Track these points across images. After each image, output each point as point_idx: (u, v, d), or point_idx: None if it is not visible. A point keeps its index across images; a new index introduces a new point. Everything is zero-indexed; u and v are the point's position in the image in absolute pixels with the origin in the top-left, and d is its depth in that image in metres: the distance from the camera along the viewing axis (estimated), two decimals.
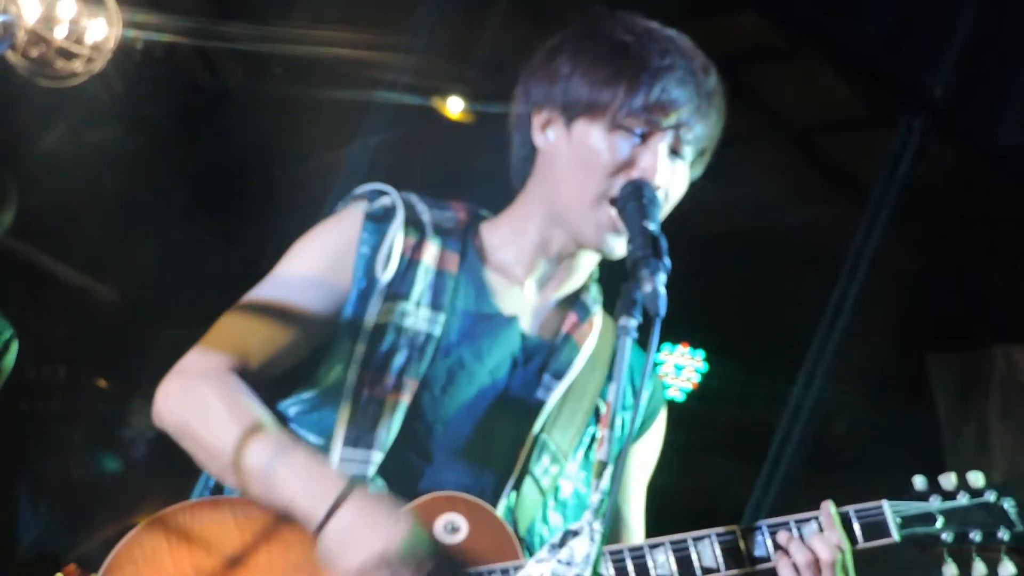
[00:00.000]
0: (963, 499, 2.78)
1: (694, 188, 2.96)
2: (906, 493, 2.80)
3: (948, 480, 2.80)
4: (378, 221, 2.85)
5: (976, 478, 2.80)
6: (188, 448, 2.76)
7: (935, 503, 2.78)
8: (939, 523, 2.77)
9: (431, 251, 2.85)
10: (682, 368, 9.97)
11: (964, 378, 9.37)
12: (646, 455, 3.10)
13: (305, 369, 2.85)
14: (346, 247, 2.84)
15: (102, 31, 7.16)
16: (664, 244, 2.60)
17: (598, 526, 2.36)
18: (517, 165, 2.98)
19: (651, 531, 3.04)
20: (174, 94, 7.99)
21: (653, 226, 2.65)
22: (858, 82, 7.13)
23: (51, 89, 6.98)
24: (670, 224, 2.84)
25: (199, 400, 2.72)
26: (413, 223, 2.87)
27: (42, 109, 7.48)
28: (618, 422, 2.82)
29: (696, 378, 9.86)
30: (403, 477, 2.75)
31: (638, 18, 2.91)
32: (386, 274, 2.81)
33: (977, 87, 6.80)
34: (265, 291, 2.86)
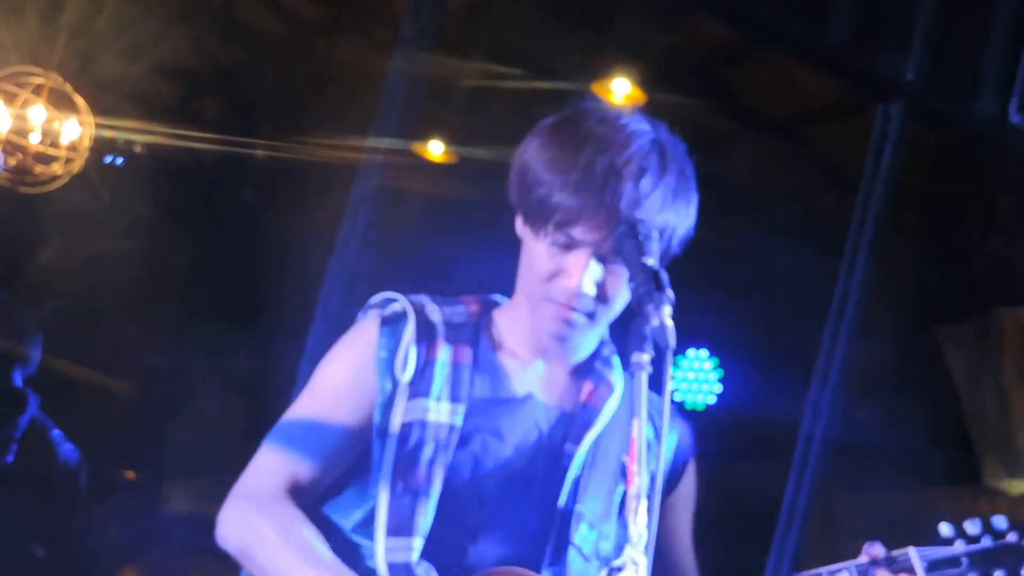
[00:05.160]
0: (987, 541, 2.87)
1: None
2: (933, 539, 2.89)
3: (973, 525, 2.89)
4: (393, 324, 2.92)
5: (1000, 522, 2.88)
6: (253, 573, 2.82)
7: (960, 547, 2.88)
8: (964, 565, 2.86)
9: (445, 348, 2.90)
10: (697, 375, 10.03)
11: (976, 346, 9.41)
12: (686, 490, 3.12)
13: (346, 476, 2.93)
14: (367, 357, 2.90)
15: (75, 131, 7.17)
16: (665, 277, 2.61)
17: (640, 558, 2.38)
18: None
19: None
20: (159, 186, 8.00)
21: (652, 261, 2.66)
22: (831, 76, 7.16)
23: (40, 196, 7.00)
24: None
25: (254, 530, 2.78)
26: (424, 325, 2.92)
27: (35, 216, 7.49)
28: (650, 454, 2.83)
29: (715, 385, 9.92)
30: (446, 557, 2.80)
31: (608, 115, 2.87)
32: (405, 375, 2.86)
33: (948, 64, 6.83)
34: (301, 409, 2.93)
